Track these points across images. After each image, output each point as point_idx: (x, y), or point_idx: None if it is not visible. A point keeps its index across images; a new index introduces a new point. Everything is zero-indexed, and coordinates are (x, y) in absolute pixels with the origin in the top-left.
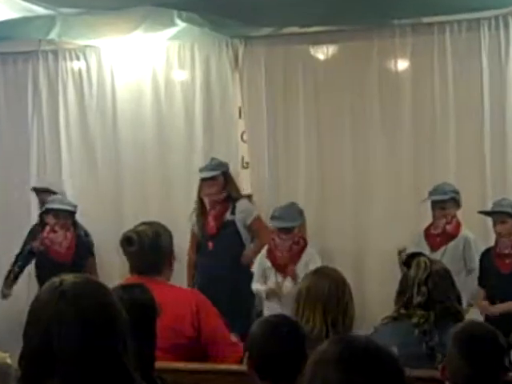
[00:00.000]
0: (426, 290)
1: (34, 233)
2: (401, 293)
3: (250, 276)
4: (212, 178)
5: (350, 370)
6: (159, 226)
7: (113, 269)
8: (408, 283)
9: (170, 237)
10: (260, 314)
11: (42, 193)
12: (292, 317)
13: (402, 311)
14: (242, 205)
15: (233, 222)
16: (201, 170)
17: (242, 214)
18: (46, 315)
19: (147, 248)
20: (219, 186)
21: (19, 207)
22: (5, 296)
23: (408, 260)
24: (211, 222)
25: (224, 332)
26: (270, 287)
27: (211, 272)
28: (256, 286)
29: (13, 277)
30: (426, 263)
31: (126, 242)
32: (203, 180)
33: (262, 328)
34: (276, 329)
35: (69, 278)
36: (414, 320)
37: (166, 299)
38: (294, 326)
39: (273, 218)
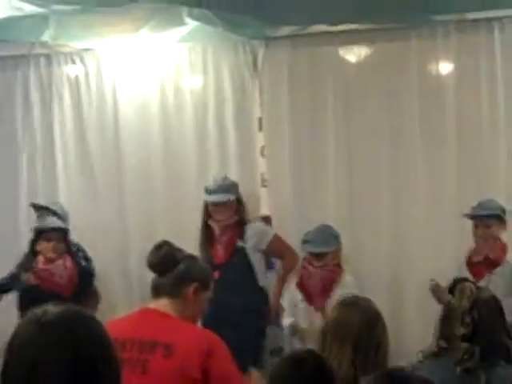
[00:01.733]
0: (470, 320)
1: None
2: (442, 323)
3: (259, 311)
4: (225, 203)
5: None
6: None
7: (117, 297)
8: (451, 313)
9: (196, 268)
10: (280, 350)
11: (42, 210)
12: (319, 353)
13: (443, 344)
14: (253, 228)
15: (242, 249)
16: (211, 193)
17: (254, 238)
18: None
19: (167, 262)
20: (232, 211)
21: (7, 233)
22: None
23: (452, 286)
24: (221, 250)
25: (236, 378)
26: (293, 324)
27: (218, 303)
28: (285, 320)
29: None
30: (471, 290)
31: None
32: (214, 204)
33: (285, 365)
34: (301, 366)
35: (52, 309)
36: (457, 355)
37: (177, 337)
38: (321, 364)
39: (305, 242)
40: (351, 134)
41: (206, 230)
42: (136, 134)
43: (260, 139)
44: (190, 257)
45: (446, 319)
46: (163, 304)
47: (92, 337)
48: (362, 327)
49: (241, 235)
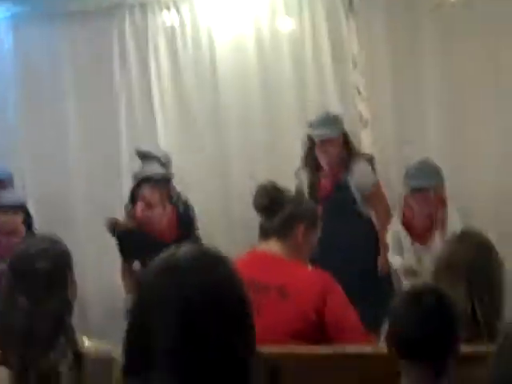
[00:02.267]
0: None
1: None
2: None
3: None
4: (332, 139)
5: None
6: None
7: (216, 239)
8: None
9: (303, 207)
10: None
11: (146, 157)
12: (440, 287)
13: None
14: (360, 168)
15: (347, 186)
16: (316, 126)
17: (359, 178)
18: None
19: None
20: (339, 146)
21: (109, 180)
22: None
23: None
24: (326, 184)
25: (354, 322)
26: (406, 265)
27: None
28: (393, 258)
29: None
30: None
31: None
32: (321, 138)
33: (405, 301)
34: (420, 300)
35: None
36: None
37: (289, 279)
38: (442, 298)
39: (407, 177)
40: (455, 73)
41: (313, 161)
42: (233, 77)
43: (358, 78)
44: (297, 197)
45: None
46: (273, 246)
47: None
48: (477, 262)
49: (347, 170)
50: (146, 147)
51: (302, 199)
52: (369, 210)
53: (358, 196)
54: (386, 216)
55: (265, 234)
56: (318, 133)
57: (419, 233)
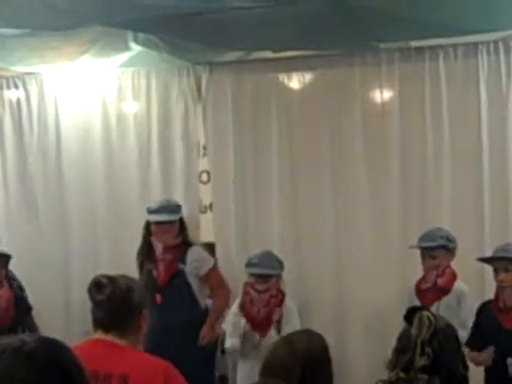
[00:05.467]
0: (430, 351)
1: None
2: (400, 353)
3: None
4: (170, 223)
5: None
6: (133, 280)
7: (56, 329)
8: (409, 342)
9: (143, 295)
10: (224, 378)
11: None
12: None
13: (401, 375)
14: (195, 252)
15: (182, 272)
16: (154, 212)
17: (194, 262)
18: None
19: (118, 298)
20: (175, 232)
21: None
22: None
23: (409, 315)
24: (162, 272)
25: None
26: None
27: (161, 331)
28: (231, 341)
29: None
30: (429, 319)
31: (96, 287)
32: (158, 224)
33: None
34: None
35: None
36: None
37: (131, 367)
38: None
39: (249, 265)
40: (295, 161)
41: (148, 249)
42: (79, 160)
43: (202, 165)
44: (133, 287)
45: (404, 350)
46: (113, 334)
47: (76, 365)
48: (295, 371)
49: (182, 257)
50: None
51: (138, 287)
52: (204, 296)
53: (193, 282)
54: (224, 299)
55: (104, 324)
56: (155, 218)
57: (257, 319)
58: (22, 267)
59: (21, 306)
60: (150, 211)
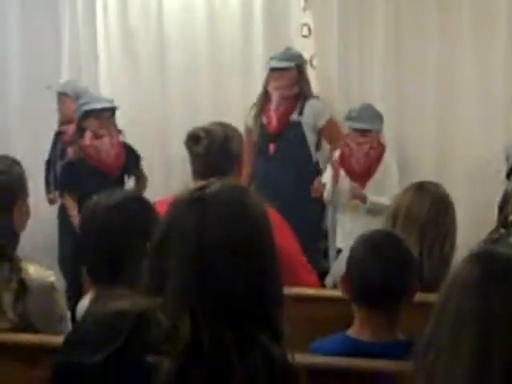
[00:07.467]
0: None
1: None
2: (500, 210)
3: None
4: (284, 69)
5: (490, 296)
6: (231, 127)
7: (155, 184)
8: (506, 199)
9: (241, 141)
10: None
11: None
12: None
13: (502, 231)
14: (313, 105)
15: (299, 124)
16: (272, 59)
17: (312, 115)
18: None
19: (216, 149)
20: (291, 80)
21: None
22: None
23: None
24: (274, 121)
25: (301, 258)
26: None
27: (274, 180)
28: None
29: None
30: None
31: (193, 140)
32: (273, 70)
33: (365, 248)
34: (381, 249)
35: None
36: None
37: None
38: (402, 246)
39: (349, 118)
40: (401, 15)
41: (264, 98)
42: (180, 13)
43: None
44: (231, 134)
45: (502, 206)
46: None
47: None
48: (430, 215)
49: (300, 110)
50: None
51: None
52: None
53: (310, 136)
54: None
55: (202, 173)
56: (272, 64)
57: (356, 170)
58: (121, 122)
59: (131, 158)
60: (270, 58)
